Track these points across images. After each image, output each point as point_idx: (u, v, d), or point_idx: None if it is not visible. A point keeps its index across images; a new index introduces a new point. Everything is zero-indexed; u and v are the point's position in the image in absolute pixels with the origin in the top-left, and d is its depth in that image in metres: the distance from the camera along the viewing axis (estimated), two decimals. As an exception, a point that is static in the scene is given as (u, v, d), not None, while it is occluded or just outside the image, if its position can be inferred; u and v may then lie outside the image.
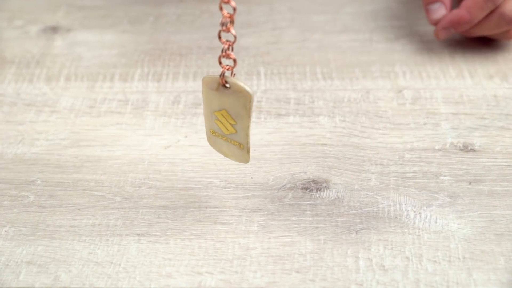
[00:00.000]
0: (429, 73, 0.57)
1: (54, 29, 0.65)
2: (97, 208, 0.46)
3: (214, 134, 0.42)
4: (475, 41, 0.60)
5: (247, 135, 0.40)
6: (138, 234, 0.44)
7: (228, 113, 0.40)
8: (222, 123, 0.41)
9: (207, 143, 0.51)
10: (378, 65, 0.58)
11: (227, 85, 0.38)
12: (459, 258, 0.41)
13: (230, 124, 0.40)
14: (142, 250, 0.43)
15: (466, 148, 0.50)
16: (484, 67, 0.57)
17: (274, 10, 0.67)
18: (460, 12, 0.56)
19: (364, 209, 0.45)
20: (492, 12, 0.55)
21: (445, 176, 0.47)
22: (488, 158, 0.49)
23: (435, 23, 0.59)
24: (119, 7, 0.68)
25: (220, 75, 0.38)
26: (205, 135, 0.52)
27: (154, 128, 0.53)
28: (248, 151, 0.41)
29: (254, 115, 0.54)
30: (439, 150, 0.50)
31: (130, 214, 0.46)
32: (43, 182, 0.48)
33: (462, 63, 0.58)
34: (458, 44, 0.60)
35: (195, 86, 0.57)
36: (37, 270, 0.42)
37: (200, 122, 0.53)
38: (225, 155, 0.43)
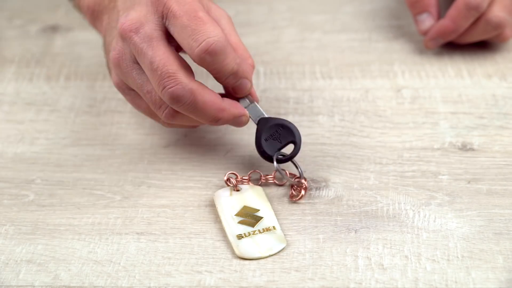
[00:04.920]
0: (428, 73, 0.57)
1: (54, 29, 0.65)
2: (97, 207, 0.46)
3: (242, 237, 0.43)
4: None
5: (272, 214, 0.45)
6: (137, 233, 0.44)
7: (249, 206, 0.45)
8: (246, 219, 0.44)
9: (206, 142, 0.51)
10: (377, 64, 0.59)
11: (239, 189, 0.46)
12: (457, 257, 0.41)
13: (255, 214, 0.44)
14: (142, 249, 0.43)
15: (464, 147, 0.50)
16: (482, 66, 0.57)
17: (274, 9, 0.67)
18: (445, 22, 0.57)
19: (363, 208, 0.45)
20: (478, 19, 0.56)
21: (444, 175, 0.47)
22: (486, 157, 0.49)
23: (424, 33, 0.59)
24: (119, 7, 0.68)
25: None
26: (204, 135, 0.52)
27: (154, 127, 0.53)
28: (279, 229, 0.44)
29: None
30: (438, 149, 0.50)
31: (130, 213, 0.46)
32: (43, 181, 0.48)
33: (461, 62, 0.58)
34: (458, 44, 0.60)
35: (195, 85, 0.57)
36: (37, 268, 0.42)
37: (199, 121, 0.53)
38: (262, 256, 0.42)
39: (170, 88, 0.43)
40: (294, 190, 0.46)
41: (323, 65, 0.59)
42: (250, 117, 0.47)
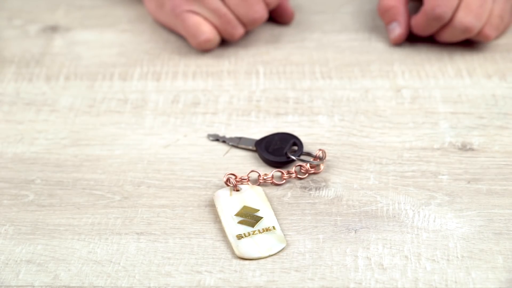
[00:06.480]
0: (427, 73, 0.57)
1: (53, 29, 0.65)
2: (97, 207, 0.46)
3: (242, 237, 0.43)
4: (473, 41, 0.60)
5: (272, 213, 0.45)
6: (137, 233, 0.44)
7: (249, 206, 0.45)
8: (246, 219, 0.44)
9: (206, 142, 0.51)
10: (377, 64, 0.59)
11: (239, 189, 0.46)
12: (457, 257, 0.41)
13: (254, 214, 0.45)
14: (142, 249, 0.43)
15: (464, 147, 0.50)
16: (482, 66, 0.58)
17: (273, 9, 0.67)
18: (412, 28, 0.59)
19: (363, 208, 0.45)
20: (445, 25, 0.56)
21: (443, 175, 0.47)
22: (486, 157, 0.49)
23: (394, 41, 0.60)
24: (119, 7, 0.68)
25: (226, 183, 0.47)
26: (204, 134, 0.52)
27: (153, 127, 0.53)
28: (279, 229, 0.44)
29: (253, 114, 0.54)
30: (438, 149, 0.50)
31: (130, 213, 0.46)
32: (43, 181, 0.48)
33: (461, 62, 0.58)
34: (456, 43, 0.60)
35: (194, 86, 0.57)
36: (36, 269, 0.42)
37: (199, 121, 0.53)
38: (262, 256, 0.42)
39: None
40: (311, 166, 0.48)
41: (323, 65, 0.59)
42: (249, 148, 0.50)
